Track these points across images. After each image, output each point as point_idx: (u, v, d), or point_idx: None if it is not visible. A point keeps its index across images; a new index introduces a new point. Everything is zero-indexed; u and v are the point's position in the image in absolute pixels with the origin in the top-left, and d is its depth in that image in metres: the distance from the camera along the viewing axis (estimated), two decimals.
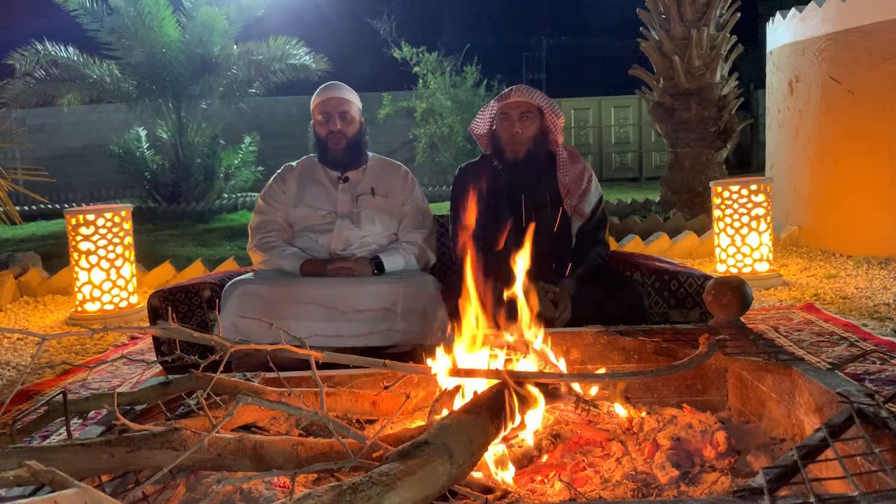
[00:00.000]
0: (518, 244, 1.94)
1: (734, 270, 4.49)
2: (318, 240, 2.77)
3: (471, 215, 2.31)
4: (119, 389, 2.15)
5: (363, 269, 2.67)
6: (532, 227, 2.12)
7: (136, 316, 4.26)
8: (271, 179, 2.95)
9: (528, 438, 1.67)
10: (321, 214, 2.79)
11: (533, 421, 1.65)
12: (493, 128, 2.78)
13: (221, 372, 1.48)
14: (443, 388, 1.73)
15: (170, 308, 2.71)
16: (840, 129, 5.29)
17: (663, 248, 5.39)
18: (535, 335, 1.84)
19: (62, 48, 10.15)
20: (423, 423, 1.72)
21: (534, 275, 2.51)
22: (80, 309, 4.26)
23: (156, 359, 2.79)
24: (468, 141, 12.16)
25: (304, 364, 1.77)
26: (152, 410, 1.71)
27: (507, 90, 2.71)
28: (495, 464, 1.53)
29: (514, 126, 2.65)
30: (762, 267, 4.49)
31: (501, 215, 2.65)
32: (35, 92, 10.26)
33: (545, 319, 2.36)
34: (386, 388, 1.80)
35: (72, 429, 1.49)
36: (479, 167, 2.84)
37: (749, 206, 4.49)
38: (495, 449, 1.56)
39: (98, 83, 10.35)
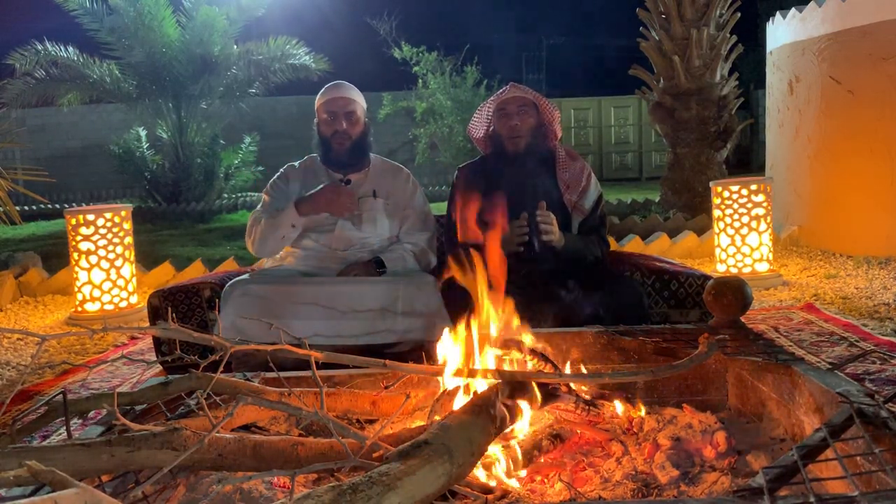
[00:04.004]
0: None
1: (734, 270, 4.49)
2: (320, 239, 2.77)
3: (472, 216, 2.31)
4: (119, 389, 2.14)
5: (368, 272, 2.67)
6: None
7: (136, 316, 4.26)
8: (274, 177, 2.94)
9: (527, 439, 1.67)
10: (323, 216, 2.79)
11: (532, 421, 1.65)
12: (491, 128, 2.80)
13: (221, 372, 1.48)
14: (443, 389, 1.73)
15: (170, 308, 2.71)
16: (840, 129, 5.29)
17: (663, 248, 5.39)
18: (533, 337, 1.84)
19: (62, 48, 10.15)
20: (423, 423, 1.71)
21: (535, 273, 2.53)
22: (80, 309, 4.26)
23: (156, 359, 2.79)
24: (468, 141, 12.15)
25: (304, 364, 1.77)
26: (152, 410, 1.71)
27: (501, 89, 2.76)
28: (495, 464, 1.53)
29: (513, 119, 2.68)
30: (762, 267, 4.49)
31: (500, 212, 2.65)
32: (35, 92, 10.26)
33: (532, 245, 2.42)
34: (386, 388, 1.80)
35: (72, 429, 1.49)
36: (479, 167, 2.85)
37: (749, 206, 4.49)
38: (495, 449, 1.55)
39: (98, 83, 10.36)
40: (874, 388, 2.29)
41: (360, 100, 2.86)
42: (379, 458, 1.27)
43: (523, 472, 1.58)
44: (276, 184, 2.90)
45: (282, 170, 2.95)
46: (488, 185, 2.71)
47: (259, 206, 2.87)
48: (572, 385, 1.75)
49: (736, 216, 4.51)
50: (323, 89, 2.88)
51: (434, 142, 13.19)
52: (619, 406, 1.82)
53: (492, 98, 2.78)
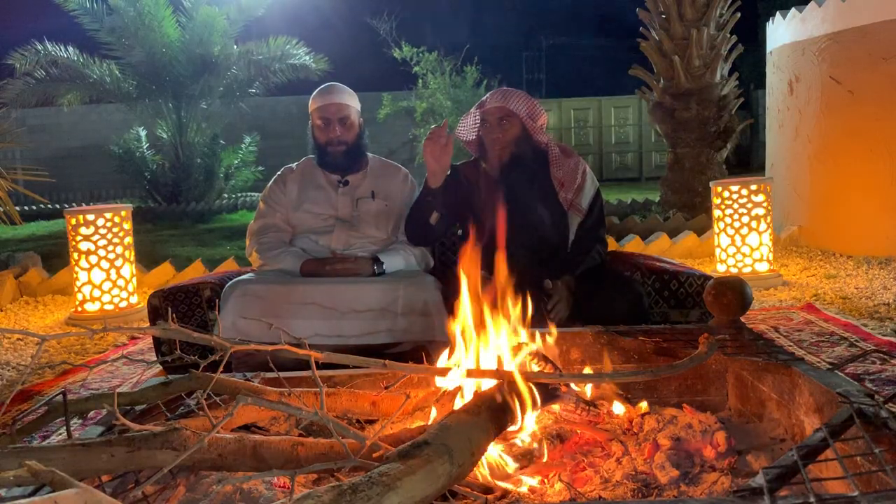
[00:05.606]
0: (510, 240, 1.94)
1: (734, 270, 4.49)
2: (319, 241, 2.77)
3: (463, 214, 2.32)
4: (119, 389, 2.15)
5: (364, 267, 2.67)
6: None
7: (136, 316, 4.26)
8: (272, 181, 2.94)
9: (527, 438, 1.67)
10: (322, 219, 2.79)
11: (531, 421, 1.65)
12: (480, 133, 2.79)
13: (221, 372, 1.48)
14: (444, 389, 1.73)
15: (170, 308, 2.71)
16: (840, 129, 5.29)
17: (663, 248, 5.39)
18: (533, 334, 1.83)
19: (62, 48, 10.16)
20: (423, 423, 1.71)
21: (531, 271, 2.53)
22: (80, 309, 4.26)
23: (156, 359, 2.79)
24: None
25: (304, 364, 1.77)
26: (152, 410, 1.71)
27: (485, 97, 2.72)
28: (495, 464, 1.53)
29: (494, 132, 2.66)
30: (762, 267, 4.49)
31: (494, 213, 2.64)
32: (35, 92, 10.27)
33: (541, 315, 2.36)
34: (386, 388, 1.80)
35: (72, 429, 1.49)
36: (472, 167, 2.84)
37: (749, 206, 4.49)
38: (495, 449, 1.55)
39: (98, 83, 10.37)
40: (874, 388, 2.29)
41: (353, 102, 2.84)
42: (379, 458, 1.27)
43: (523, 473, 1.58)
44: (274, 190, 2.89)
45: (279, 173, 2.94)
46: (482, 184, 2.71)
47: (255, 220, 2.86)
48: (572, 385, 1.75)
49: (736, 216, 4.51)
50: (315, 93, 2.85)
51: None
52: (617, 406, 1.82)
53: (476, 105, 2.76)
